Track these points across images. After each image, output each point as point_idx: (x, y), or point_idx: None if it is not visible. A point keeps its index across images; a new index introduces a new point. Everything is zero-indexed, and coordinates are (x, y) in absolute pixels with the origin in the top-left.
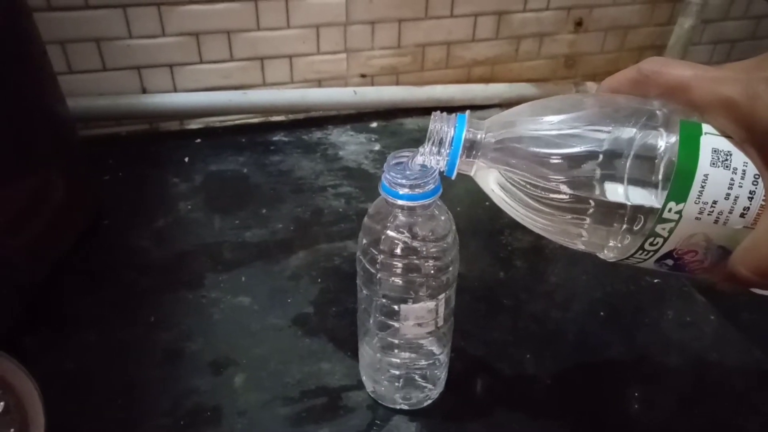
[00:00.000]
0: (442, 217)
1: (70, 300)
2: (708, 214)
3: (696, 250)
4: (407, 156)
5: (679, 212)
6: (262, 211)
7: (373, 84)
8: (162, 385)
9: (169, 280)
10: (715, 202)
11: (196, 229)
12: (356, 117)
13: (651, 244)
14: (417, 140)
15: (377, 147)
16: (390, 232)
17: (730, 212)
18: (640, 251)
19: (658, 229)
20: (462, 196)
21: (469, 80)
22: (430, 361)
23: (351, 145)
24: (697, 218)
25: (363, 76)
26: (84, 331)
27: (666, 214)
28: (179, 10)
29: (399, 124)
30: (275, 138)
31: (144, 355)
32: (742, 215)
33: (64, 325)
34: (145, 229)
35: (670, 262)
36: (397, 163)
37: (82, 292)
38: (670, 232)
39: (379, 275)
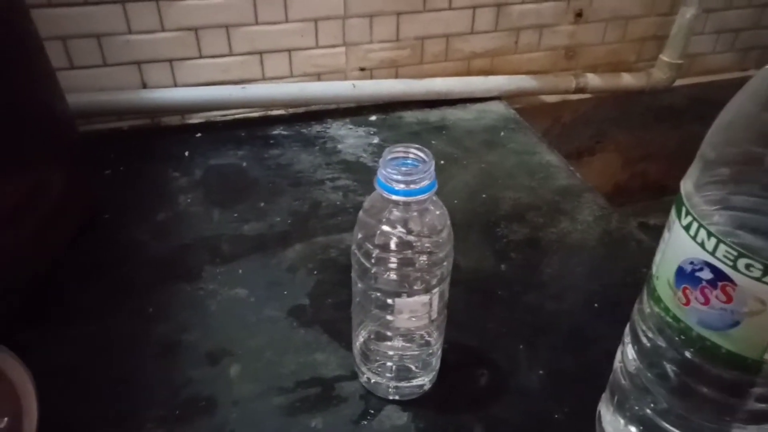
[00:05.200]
0: (437, 212)
1: (69, 293)
2: None
3: None
4: (403, 151)
5: None
6: (260, 204)
7: (372, 77)
8: (158, 376)
9: (167, 273)
10: None
11: (194, 223)
12: (355, 110)
13: None
14: (416, 133)
15: (376, 140)
16: (385, 227)
17: None
18: None
19: None
20: (459, 189)
21: (468, 73)
22: (423, 350)
23: (350, 138)
24: None
25: (362, 69)
26: (82, 324)
27: None
28: (178, 5)
29: (398, 117)
30: (274, 132)
31: (141, 347)
32: None
33: (63, 318)
34: (144, 223)
35: None
36: (393, 158)
37: (81, 285)
38: None
39: (373, 270)
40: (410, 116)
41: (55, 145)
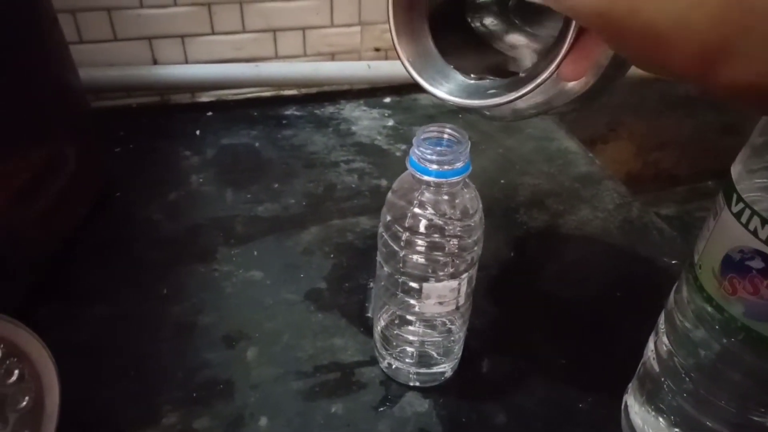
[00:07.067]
0: (468, 195)
1: (82, 273)
2: None
3: None
4: (437, 130)
5: None
6: (274, 185)
7: (387, 58)
8: (174, 358)
9: (181, 253)
10: None
11: (208, 203)
12: (369, 92)
13: None
14: (431, 116)
15: (391, 123)
16: (416, 209)
17: None
18: None
19: None
20: (477, 175)
21: None
22: (445, 337)
23: (364, 120)
24: None
25: (377, 49)
26: (96, 304)
27: None
28: None
29: (413, 100)
30: (287, 112)
31: (156, 328)
32: None
33: (76, 297)
34: (156, 203)
35: None
36: (427, 138)
37: (94, 264)
38: None
39: (402, 253)
40: (425, 99)
41: (68, 120)
